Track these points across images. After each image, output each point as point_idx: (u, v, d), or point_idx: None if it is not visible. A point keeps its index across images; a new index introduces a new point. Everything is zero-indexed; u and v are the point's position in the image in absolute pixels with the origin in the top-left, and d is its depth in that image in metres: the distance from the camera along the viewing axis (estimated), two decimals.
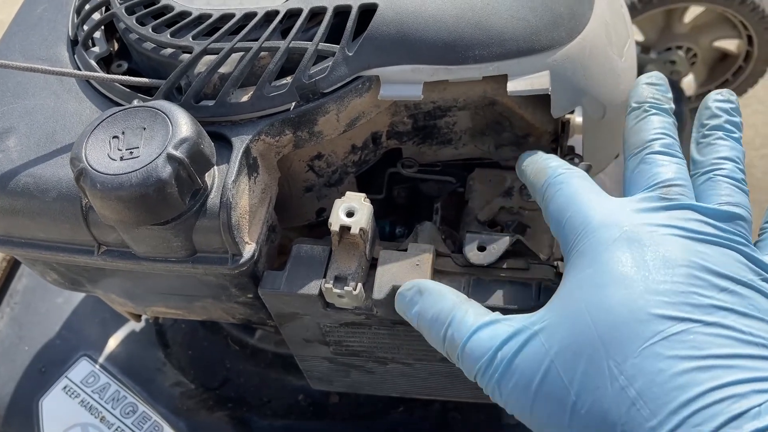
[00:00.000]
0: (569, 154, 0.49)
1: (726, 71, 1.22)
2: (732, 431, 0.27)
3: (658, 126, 0.40)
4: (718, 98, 0.40)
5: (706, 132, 0.40)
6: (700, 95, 1.27)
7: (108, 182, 0.37)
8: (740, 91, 1.24)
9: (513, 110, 0.49)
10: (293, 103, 0.43)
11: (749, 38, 1.14)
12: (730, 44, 1.18)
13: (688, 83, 1.26)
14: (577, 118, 0.52)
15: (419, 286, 0.39)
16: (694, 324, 0.30)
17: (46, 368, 0.70)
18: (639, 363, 0.29)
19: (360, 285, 0.42)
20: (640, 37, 1.20)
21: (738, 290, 0.31)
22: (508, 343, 0.34)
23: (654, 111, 0.41)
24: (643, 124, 0.41)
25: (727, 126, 0.40)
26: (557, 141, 0.52)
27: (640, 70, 1.25)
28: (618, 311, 0.31)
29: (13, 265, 0.77)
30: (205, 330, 0.75)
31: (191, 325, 0.75)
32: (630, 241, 0.33)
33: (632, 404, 0.29)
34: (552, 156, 0.43)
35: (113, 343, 0.72)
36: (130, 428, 0.65)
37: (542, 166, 0.41)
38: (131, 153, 0.38)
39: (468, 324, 0.36)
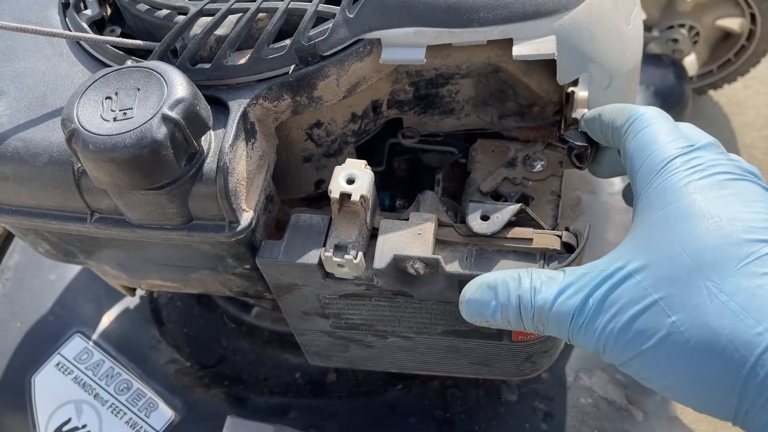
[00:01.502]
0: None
1: (728, 50, 1.21)
2: None
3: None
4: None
5: None
6: (702, 75, 1.26)
7: (101, 143, 0.35)
8: (743, 71, 1.23)
9: (517, 78, 0.48)
10: (292, 67, 0.42)
11: (752, 17, 1.12)
12: (733, 23, 1.17)
13: (691, 62, 1.24)
14: (581, 92, 0.51)
15: (484, 282, 0.38)
16: None
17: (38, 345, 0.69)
18: (737, 281, 0.31)
19: (360, 254, 0.41)
20: (643, 15, 1.19)
21: None
22: (599, 287, 0.34)
23: None
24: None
25: None
26: (561, 112, 0.51)
27: (643, 48, 1.23)
28: (708, 238, 0.32)
29: (5, 241, 0.76)
30: (201, 307, 0.74)
31: (187, 302, 0.74)
32: (710, 180, 0.34)
33: (735, 315, 0.30)
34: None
35: (107, 320, 0.71)
36: (124, 405, 0.64)
37: (624, 107, 0.41)
38: (125, 114, 0.36)
39: (547, 293, 0.36)
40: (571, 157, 0.46)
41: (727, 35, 1.21)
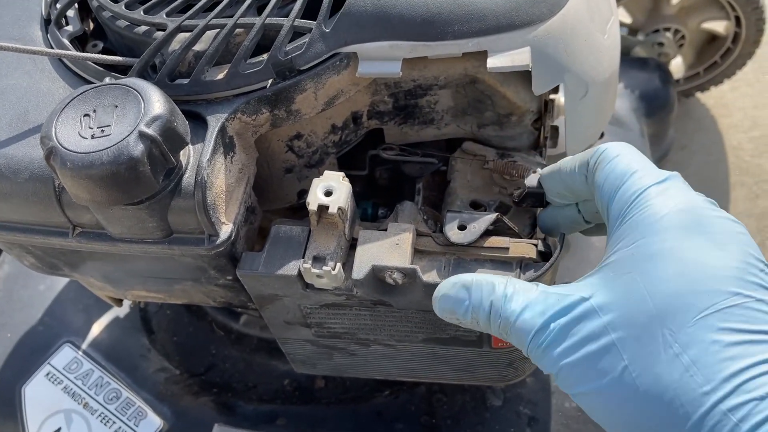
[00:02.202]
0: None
1: (714, 53, 1.22)
2: None
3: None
4: None
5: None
6: (689, 78, 1.27)
7: (78, 160, 0.36)
8: (729, 73, 1.23)
9: (494, 88, 0.48)
10: (269, 81, 0.43)
11: (737, 19, 1.13)
12: (719, 26, 1.18)
13: (677, 66, 1.25)
14: (561, 99, 0.51)
15: (461, 282, 0.38)
16: (746, 299, 0.31)
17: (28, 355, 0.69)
18: (694, 332, 0.30)
19: (339, 265, 0.42)
20: (628, 19, 1.20)
21: None
22: (561, 315, 0.34)
23: None
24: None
25: None
26: (540, 121, 0.52)
27: (628, 53, 1.24)
28: (674, 282, 0.32)
29: None
30: (190, 315, 0.75)
31: (176, 310, 0.75)
32: (685, 215, 0.34)
33: (686, 370, 0.30)
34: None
35: (97, 329, 0.72)
36: (113, 414, 0.65)
37: (582, 153, 0.41)
38: (102, 131, 0.37)
39: (515, 305, 0.36)
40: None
41: (712, 38, 1.22)
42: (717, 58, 1.22)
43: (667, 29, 1.15)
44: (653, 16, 1.16)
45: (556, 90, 0.53)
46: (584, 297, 0.34)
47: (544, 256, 0.43)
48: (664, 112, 1.00)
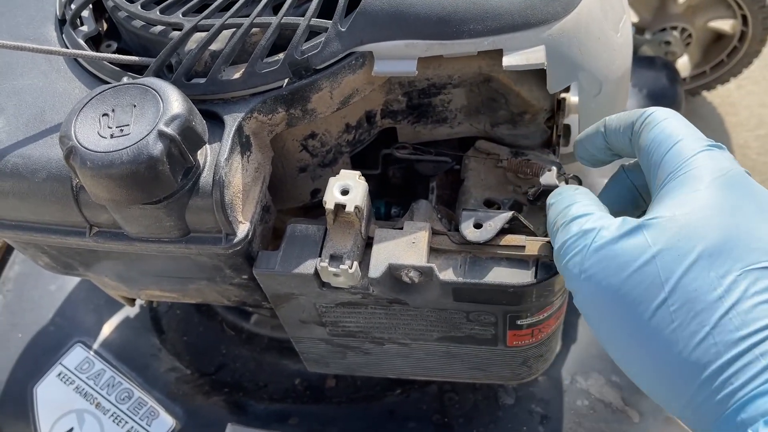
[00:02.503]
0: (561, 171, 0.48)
1: (721, 52, 1.22)
2: None
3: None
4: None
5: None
6: (695, 76, 1.27)
7: (98, 160, 0.36)
8: (735, 72, 1.23)
9: (508, 87, 0.48)
10: (285, 80, 0.43)
11: (744, 18, 1.13)
12: (725, 24, 1.18)
13: (683, 64, 1.25)
14: (573, 97, 0.51)
15: (578, 187, 0.41)
16: None
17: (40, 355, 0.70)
18: (740, 281, 0.32)
19: (356, 263, 0.42)
20: (635, 18, 1.20)
21: None
22: (607, 229, 0.35)
23: None
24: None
25: None
26: (553, 119, 0.52)
27: (635, 51, 1.25)
28: (728, 232, 0.33)
29: (6, 253, 0.77)
30: (200, 315, 0.75)
31: (186, 310, 0.75)
32: (736, 179, 0.35)
33: (725, 313, 0.31)
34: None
35: (107, 329, 0.72)
36: (125, 414, 0.65)
37: (631, 111, 0.41)
38: (121, 130, 0.37)
39: (575, 210, 0.37)
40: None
41: (719, 37, 1.22)
42: (723, 57, 1.22)
43: (674, 28, 1.15)
44: (660, 14, 1.16)
45: (568, 89, 0.53)
46: (641, 224, 0.34)
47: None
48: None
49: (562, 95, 0.52)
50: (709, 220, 0.33)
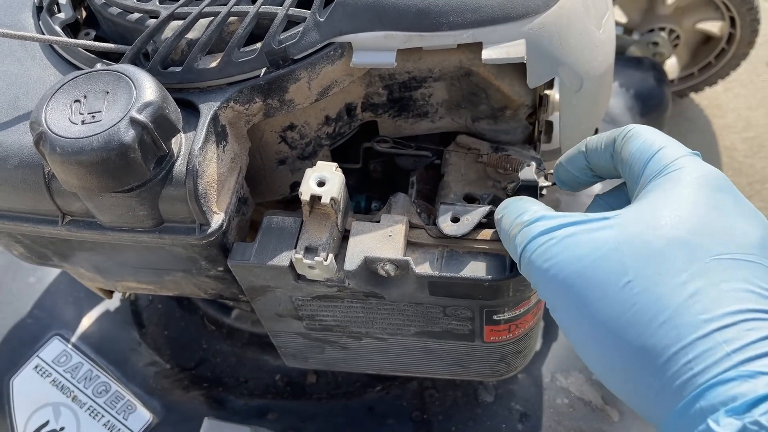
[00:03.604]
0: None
1: (709, 54, 1.22)
2: None
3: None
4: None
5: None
6: (683, 78, 1.27)
7: (68, 146, 0.35)
8: (723, 74, 1.24)
9: (489, 81, 0.48)
10: (263, 70, 0.42)
11: (732, 20, 1.14)
12: (713, 26, 1.18)
13: (671, 66, 1.25)
14: (556, 94, 0.51)
15: (522, 197, 0.40)
16: (762, 260, 0.32)
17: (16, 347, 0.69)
18: (706, 267, 0.32)
19: (331, 256, 0.42)
20: (623, 19, 1.20)
21: None
22: (574, 225, 0.35)
23: None
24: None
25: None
26: (534, 115, 0.52)
27: (623, 52, 1.25)
28: (699, 224, 0.33)
29: None
30: (181, 310, 0.74)
31: (168, 304, 0.74)
32: (716, 180, 0.35)
33: (690, 297, 0.31)
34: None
35: (87, 322, 0.71)
36: (102, 407, 0.64)
37: (612, 130, 0.42)
38: (93, 117, 0.37)
39: (535, 213, 0.37)
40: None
41: (707, 39, 1.22)
42: (711, 59, 1.22)
43: (662, 29, 1.15)
44: (648, 15, 1.16)
45: (551, 85, 0.53)
46: (606, 217, 0.35)
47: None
48: (658, 111, 1.00)
49: (546, 92, 0.52)
50: (683, 212, 0.33)
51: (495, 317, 0.46)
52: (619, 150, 0.40)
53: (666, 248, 0.32)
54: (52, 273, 0.74)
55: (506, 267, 0.43)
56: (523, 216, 0.38)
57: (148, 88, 0.37)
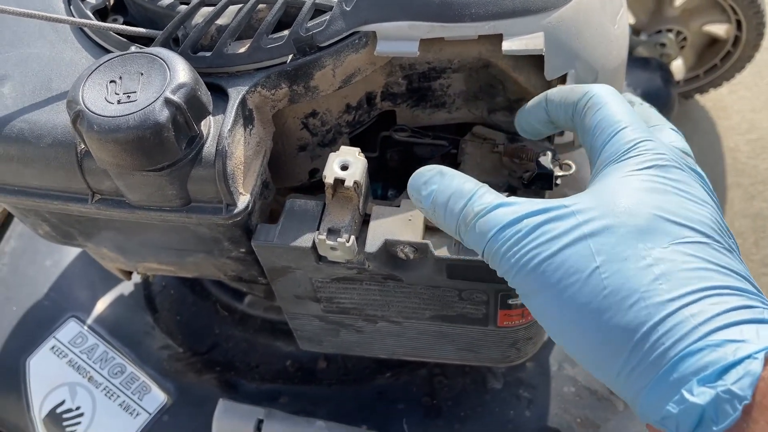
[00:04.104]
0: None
1: (714, 56, 1.23)
2: (745, 313, 0.31)
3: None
4: None
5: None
6: (689, 80, 1.29)
7: (105, 124, 0.37)
8: (728, 76, 1.25)
9: (506, 73, 0.49)
10: (290, 56, 0.44)
11: (738, 23, 1.15)
12: (720, 29, 1.19)
13: (677, 67, 1.27)
14: None
15: (439, 168, 0.40)
16: (716, 243, 0.34)
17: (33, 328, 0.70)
18: (668, 253, 0.33)
19: (353, 237, 0.43)
20: (631, 19, 1.21)
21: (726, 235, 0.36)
22: (537, 214, 0.35)
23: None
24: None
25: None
26: None
27: (630, 52, 1.26)
28: (658, 210, 0.34)
29: (1, 227, 0.77)
30: (194, 296, 0.75)
31: (180, 290, 0.76)
32: (672, 162, 0.37)
33: (655, 279, 0.32)
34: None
35: (101, 306, 0.73)
36: (117, 388, 0.65)
37: (574, 87, 0.43)
38: (128, 97, 0.38)
39: (488, 200, 0.37)
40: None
41: (713, 41, 1.24)
42: (717, 61, 1.23)
43: (670, 30, 1.17)
44: (656, 16, 1.18)
45: (564, 80, 0.54)
46: (565, 204, 0.36)
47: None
48: (664, 111, 1.01)
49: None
50: (640, 199, 0.35)
51: (509, 301, 0.47)
52: (581, 117, 0.41)
53: (629, 236, 0.34)
54: (67, 257, 0.76)
55: None
56: (472, 202, 0.38)
57: (181, 70, 0.39)
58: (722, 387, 0.29)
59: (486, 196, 0.38)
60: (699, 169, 0.39)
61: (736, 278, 0.33)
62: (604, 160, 0.39)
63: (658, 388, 0.31)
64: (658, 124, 0.47)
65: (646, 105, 0.49)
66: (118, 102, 0.38)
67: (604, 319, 0.33)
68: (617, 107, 0.40)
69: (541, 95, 0.44)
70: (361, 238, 0.44)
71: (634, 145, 0.38)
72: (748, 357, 0.29)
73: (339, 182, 0.42)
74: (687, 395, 0.29)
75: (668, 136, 0.45)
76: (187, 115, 0.38)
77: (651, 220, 0.34)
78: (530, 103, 0.45)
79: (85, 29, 0.47)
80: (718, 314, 0.31)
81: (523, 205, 0.36)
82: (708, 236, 0.34)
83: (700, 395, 0.29)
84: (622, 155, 0.38)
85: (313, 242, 0.44)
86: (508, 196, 0.45)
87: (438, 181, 0.39)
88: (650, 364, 0.31)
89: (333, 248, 0.43)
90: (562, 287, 0.34)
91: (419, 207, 0.40)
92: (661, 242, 0.33)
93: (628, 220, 0.34)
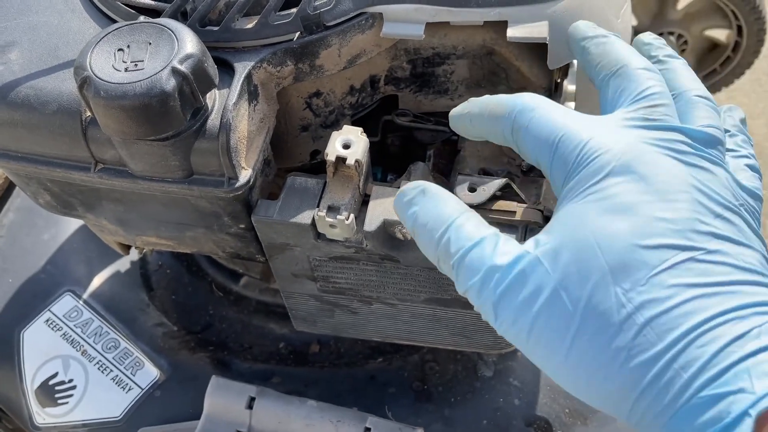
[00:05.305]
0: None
1: (714, 61, 1.25)
2: (736, 349, 0.28)
3: (630, 48, 0.39)
4: (649, 36, 0.42)
5: (663, 58, 0.40)
6: None
7: (112, 90, 0.37)
8: (726, 82, 1.26)
9: (510, 61, 0.50)
10: (297, 34, 0.44)
11: (739, 29, 1.16)
12: (721, 34, 1.20)
13: None
14: (570, 86, 0.53)
15: (423, 187, 0.37)
16: (698, 252, 0.30)
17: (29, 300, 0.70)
18: (647, 291, 0.30)
19: (352, 215, 0.43)
20: (634, 21, 1.22)
21: (729, 217, 0.32)
22: (508, 266, 0.33)
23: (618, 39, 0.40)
24: (615, 46, 0.39)
25: (675, 55, 0.40)
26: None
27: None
28: (625, 239, 0.31)
29: (0, 200, 0.77)
30: (190, 275, 0.76)
31: (176, 269, 0.76)
32: (629, 165, 0.33)
33: (639, 331, 0.30)
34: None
35: (98, 281, 0.73)
36: (111, 362, 0.66)
37: (499, 98, 0.38)
38: (136, 65, 0.38)
39: (466, 233, 0.34)
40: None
41: (714, 46, 1.25)
42: (716, 66, 1.24)
43: (671, 33, 1.18)
44: (658, 19, 1.19)
45: (565, 74, 0.54)
46: (537, 254, 0.33)
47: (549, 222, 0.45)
48: None
49: (560, 80, 0.54)
50: (603, 229, 0.31)
51: None
52: (516, 142, 0.37)
53: (602, 281, 0.31)
54: (65, 232, 0.76)
55: (519, 238, 0.44)
56: (448, 238, 0.35)
57: (189, 42, 0.39)
58: None
59: (462, 228, 0.35)
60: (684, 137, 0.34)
61: (728, 290, 0.30)
62: (556, 185, 0.35)
63: None
64: (685, 89, 0.38)
65: (671, 62, 0.40)
66: (126, 70, 0.38)
67: (597, 382, 0.31)
68: (547, 113, 0.36)
69: (464, 105, 0.40)
70: (360, 217, 0.45)
71: (578, 155, 0.34)
72: (743, 414, 0.27)
73: (340, 160, 0.43)
74: None
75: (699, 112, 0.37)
76: (193, 85, 0.38)
77: (623, 253, 0.31)
78: (456, 110, 0.41)
79: (94, 0, 0.47)
80: (710, 359, 0.28)
81: (498, 246, 0.34)
82: (687, 248, 0.30)
83: None
84: (572, 173, 0.34)
85: (313, 219, 0.44)
86: (504, 192, 0.45)
87: (419, 202, 0.36)
88: (651, 421, 0.30)
89: (332, 225, 0.43)
90: (550, 352, 0.32)
91: (405, 226, 0.38)
92: (638, 278, 0.30)
93: (598, 260, 0.31)
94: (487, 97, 0.39)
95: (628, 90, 0.36)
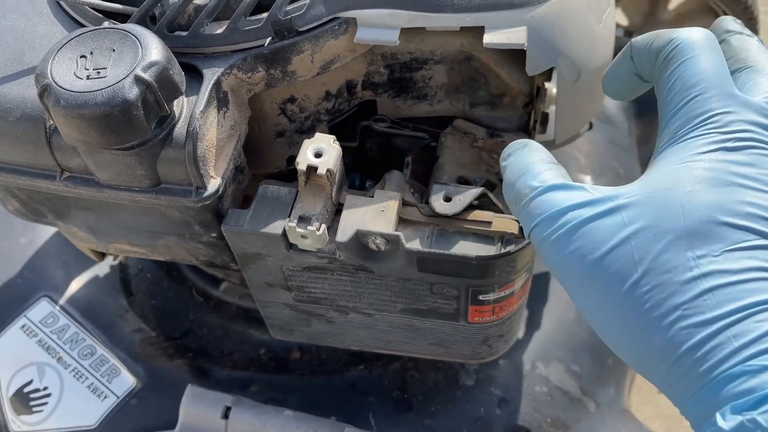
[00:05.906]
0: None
1: None
2: None
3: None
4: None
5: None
6: None
7: (72, 99, 0.36)
8: None
9: (489, 67, 0.49)
10: (268, 40, 0.43)
11: None
12: None
13: None
14: (553, 89, 0.52)
15: (526, 143, 0.38)
16: None
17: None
18: (718, 262, 0.31)
19: (324, 226, 0.42)
20: (625, 21, 1.21)
21: None
22: (583, 207, 0.33)
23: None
24: (755, 44, 0.38)
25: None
26: (531, 105, 0.53)
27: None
28: (710, 211, 0.31)
29: None
30: (170, 280, 0.75)
31: (156, 274, 0.75)
32: (745, 143, 0.33)
33: (699, 295, 0.30)
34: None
35: (75, 286, 0.72)
36: (87, 369, 0.65)
37: (662, 31, 0.38)
38: (98, 73, 0.37)
39: (544, 178, 0.35)
40: None
41: None
42: None
43: None
44: (650, 19, 1.17)
45: (549, 77, 0.53)
46: (611, 197, 0.33)
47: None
48: (654, 114, 1.01)
49: (544, 84, 0.53)
50: (695, 195, 0.32)
51: (480, 297, 0.47)
52: (662, 68, 0.36)
53: (676, 241, 0.31)
54: (42, 235, 0.75)
55: (495, 248, 0.43)
56: (531, 179, 0.36)
57: (154, 48, 0.38)
58: (749, 416, 0.28)
59: (544, 174, 0.36)
60: None
61: None
62: (667, 134, 0.35)
63: (695, 408, 0.30)
64: (756, 64, 0.37)
65: (747, 37, 0.40)
66: (88, 77, 0.37)
67: (645, 334, 0.31)
68: (703, 64, 0.34)
69: (628, 44, 0.39)
70: (332, 227, 0.44)
71: (706, 119, 0.33)
72: None
73: (312, 169, 0.42)
74: (719, 420, 0.29)
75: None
76: (157, 94, 0.37)
77: (704, 222, 0.31)
78: (617, 57, 0.40)
79: (62, 3, 0.46)
80: (763, 335, 0.29)
81: (572, 192, 0.34)
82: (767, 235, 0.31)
83: (730, 421, 0.28)
84: (688, 132, 0.34)
85: (284, 229, 0.43)
86: (481, 201, 0.44)
87: (516, 153, 0.38)
88: (687, 384, 0.30)
89: (303, 236, 0.43)
90: (605, 295, 0.32)
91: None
92: (714, 249, 0.31)
93: (678, 222, 0.31)
94: (649, 32, 0.39)
95: (761, 86, 0.36)
